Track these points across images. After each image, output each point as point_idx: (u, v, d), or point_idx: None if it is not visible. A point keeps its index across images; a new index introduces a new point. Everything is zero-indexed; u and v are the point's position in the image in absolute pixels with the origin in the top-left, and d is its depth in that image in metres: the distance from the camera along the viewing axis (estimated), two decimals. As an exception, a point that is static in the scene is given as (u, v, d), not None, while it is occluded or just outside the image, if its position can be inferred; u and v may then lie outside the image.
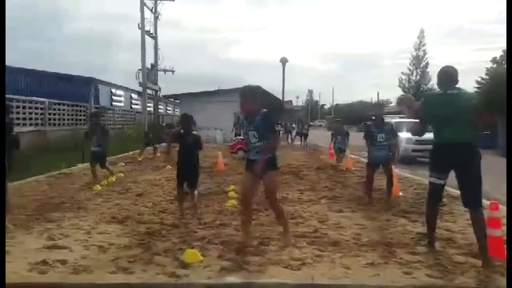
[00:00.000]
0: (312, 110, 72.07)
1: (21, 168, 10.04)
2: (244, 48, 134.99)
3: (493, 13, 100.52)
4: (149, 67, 23.62)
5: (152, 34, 23.95)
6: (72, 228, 5.22)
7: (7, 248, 4.26)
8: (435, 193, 4.44)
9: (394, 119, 17.54)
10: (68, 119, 17.66)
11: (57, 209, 6.42)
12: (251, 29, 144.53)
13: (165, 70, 25.43)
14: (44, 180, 9.45)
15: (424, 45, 57.95)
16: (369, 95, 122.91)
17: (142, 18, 21.70)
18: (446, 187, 8.02)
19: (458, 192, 4.55)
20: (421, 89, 57.90)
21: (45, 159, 12.50)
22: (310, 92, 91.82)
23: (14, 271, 3.67)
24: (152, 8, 23.70)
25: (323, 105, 75.70)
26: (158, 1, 24.00)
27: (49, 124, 16.37)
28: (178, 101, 32.60)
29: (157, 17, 24.12)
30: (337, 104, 72.48)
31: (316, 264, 3.91)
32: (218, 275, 3.62)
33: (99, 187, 8.36)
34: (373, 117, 7.44)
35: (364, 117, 54.13)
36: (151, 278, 3.57)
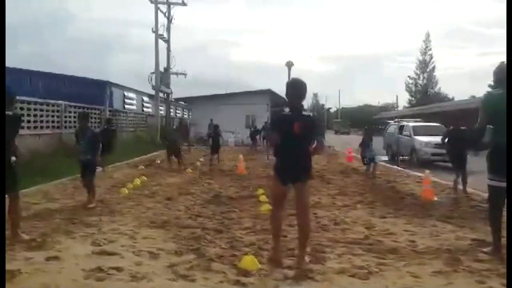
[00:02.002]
0: (318, 114, 71.90)
1: (43, 172, 9.99)
2: (248, 51, 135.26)
3: (498, 16, 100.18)
4: (162, 70, 23.55)
5: (165, 37, 23.90)
6: (114, 233, 5.08)
7: (55, 253, 4.17)
8: (499, 197, 4.21)
9: (410, 123, 17.40)
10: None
11: (90, 212, 6.29)
12: (254, 31, 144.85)
13: (177, 74, 25.39)
14: (68, 183, 9.32)
15: (430, 49, 57.86)
16: (373, 98, 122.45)
17: (156, 22, 21.70)
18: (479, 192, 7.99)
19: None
20: (428, 93, 57.78)
21: (63, 162, 12.38)
22: (315, 95, 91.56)
23: (72, 278, 3.53)
24: (166, 12, 23.66)
25: (329, 108, 75.53)
26: (171, 6, 23.95)
27: (65, 127, 16.27)
28: (183, 103, 32.56)
29: (170, 21, 24.09)
30: (343, 108, 72.39)
31: (382, 273, 3.74)
32: (285, 284, 3.46)
33: (126, 191, 8.23)
34: None
35: (371, 121, 54.05)
36: (216, 286, 3.42)
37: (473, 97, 42.65)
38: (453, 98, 54.25)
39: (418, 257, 4.18)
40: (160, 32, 23.20)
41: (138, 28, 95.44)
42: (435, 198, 7.65)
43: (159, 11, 22.40)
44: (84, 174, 7.11)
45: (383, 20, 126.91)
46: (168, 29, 24.23)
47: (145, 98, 26.77)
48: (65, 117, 16.39)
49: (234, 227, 5.46)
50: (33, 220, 5.70)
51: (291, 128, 3.86)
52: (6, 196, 4.51)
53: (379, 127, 48.85)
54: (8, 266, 3.73)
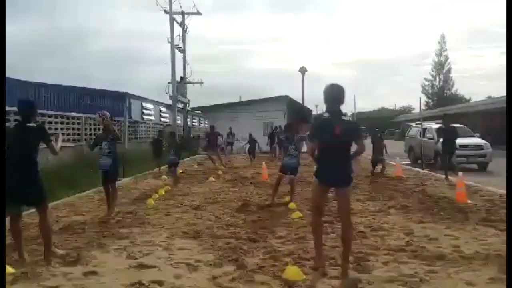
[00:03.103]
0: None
1: (66, 185, 10.04)
2: (263, 58, 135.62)
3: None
4: (178, 80, 23.70)
5: (181, 47, 24.07)
6: (148, 245, 5.00)
7: (94, 268, 4.10)
8: None
9: (433, 125, 17.06)
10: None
11: (120, 225, 6.23)
12: (268, 39, 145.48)
13: (193, 83, 25.54)
14: (93, 195, 9.33)
15: (445, 50, 57.15)
16: (389, 102, 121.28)
17: (172, 32, 21.86)
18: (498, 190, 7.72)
19: None
20: (445, 94, 57.00)
21: (86, 175, 12.45)
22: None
23: (113, 293, 3.46)
24: (181, 22, 23.86)
25: (321, 113, 74.81)
26: (186, 15, 24.17)
27: (85, 140, 16.41)
28: (199, 112, 32.67)
29: (185, 31, 24.29)
30: (359, 112, 71.59)
31: (433, 280, 3.58)
32: (335, 295, 3.32)
33: (152, 201, 8.18)
34: None
35: (389, 124, 53.42)
36: (264, 299, 3.30)
37: (489, 97, 41.88)
38: (470, 99, 53.39)
39: (468, 263, 4.00)
40: (176, 42, 23.35)
41: (154, 39, 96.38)
42: (469, 201, 7.41)
43: (174, 22, 22.57)
44: (104, 178, 7.01)
45: (396, 24, 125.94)
46: (184, 39, 24.43)
47: (163, 109, 26.96)
48: (85, 129, 16.57)
49: (269, 236, 5.33)
50: (64, 233, 5.66)
51: (332, 132, 3.78)
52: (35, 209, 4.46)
53: (396, 130, 48.23)
54: (47, 282, 3.71)
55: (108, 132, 6.99)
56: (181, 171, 14.57)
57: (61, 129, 15.10)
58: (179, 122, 25.88)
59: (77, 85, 20.55)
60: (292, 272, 3.70)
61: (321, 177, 3.91)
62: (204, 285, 3.60)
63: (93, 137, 16.82)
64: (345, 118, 3.94)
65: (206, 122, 34.69)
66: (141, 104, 23.87)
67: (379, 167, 11.86)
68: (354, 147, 4.09)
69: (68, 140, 15.48)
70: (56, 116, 14.97)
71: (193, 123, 34.87)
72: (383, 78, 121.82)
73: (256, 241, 5.07)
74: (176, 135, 16.49)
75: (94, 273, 3.95)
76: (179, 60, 25.06)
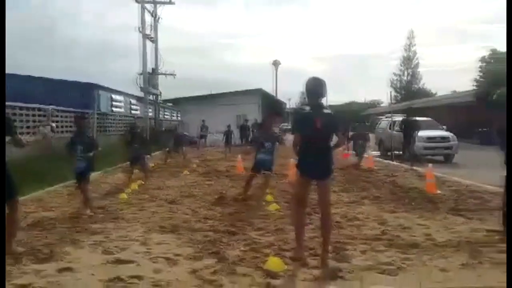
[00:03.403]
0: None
1: (33, 179, 9.67)
2: (237, 52, 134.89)
3: (483, 11, 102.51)
4: (150, 71, 23.23)
5: (152, 37, 23.57)
6: (124, 240, 4.89)
7: (69, 264, 3.99)
8: None
9: (398, 118, 17.48)
10: (71, 126, 17.16)
11: (93, 220, 6.07)
12: (242, 33, 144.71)
13: (166, 74, 25.07)
14: (62, 190, 9.05)
15: (414, 46, 58.54)
16: (360, 95, 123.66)
17: (143, 21, 21.35)
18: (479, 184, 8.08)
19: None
20: (412, 89, 58.50)
21: (53, 169, 12.05)
22: (303, 94, 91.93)
23: (92, 289, 3.37)
24: (152, 11, 23.34)
25: (301, 106, 75.83)
26: (158, 5, 23.65)
27: (53, 132, 15.87)
28: (169, 104, 32.23)
29: (157, 21, 23.78)
30: (329, 105, 72.68)
31: (410, 268, 3.69)
32: (318, 285, 3.37)
33: (125, 196, 8.02)
34: None
35: (358, 117, 54.42)
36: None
37: (454, 91, 43.39)
38: (436, 93, 55.05)
39: (440, 251, 4.15)
40: (147, 32, 22.85)
41: (124, 30, 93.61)
42: (438, 191, 7.67)
43: (145, 11, 22.05)
44: (79, 180, 6.88)
45: (369, 19, 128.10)
46: (155, 29, 23.90)
47: (133, 101, 26.36)
48: (52, 121, 16.01)
49: (247, 228, 5.33)
50: (33, 230, 5.44)
51: (313, 125, 3.82)
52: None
53: (366, 123, 49.30)
54: (18, 281, 3.57)
55: (82, 133, 7.00)
56: (152, 164, 14.36)
57: (27, 121, 14.55)
58: (150, 114, 25.38)
59: (44, 76, 19.76)
60: (274, 262, 3.73)
61: (303, 170, 3.95)
62: (185, 279, 3.57)
63: (55, 129, 16.36)
64: (326, 111, 3.98)
65: (178, 115, 34.23)
66: (111, 95, 23.22)
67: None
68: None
69: (34, 133, 14.95)
70: (21, 108, 14.39)
71: (165, 116, 34.30)
72: (354, 72, 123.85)
73: (235, 234, 5.06)
74: (140, 127, 15.88)
75: (69, 269, 3.83)
76: (151, 51, 24.57)
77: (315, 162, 3.88)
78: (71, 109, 17.36)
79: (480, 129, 26.84)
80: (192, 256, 4.19)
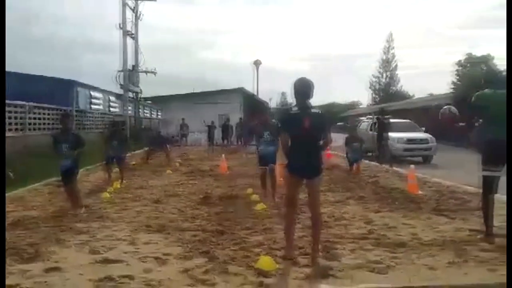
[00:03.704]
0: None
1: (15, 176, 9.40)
2: (217, 50, 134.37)
3: (459, 17, 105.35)
4: (130, 68, 22.90)
5: (133, 34, 23.24)
6: (111, 239, 4.82)
7: (56, 264, 3.91)
8: (491, 185, 4.55)
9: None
10: (49, 123, 16.78)
11: (77, 219, 5.95)
12: (224, 31, 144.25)
13: (146, 72, 24.76)
14: (43, 188, 8.84)
15: (392, 48, 59.62)
16: (339, 97, 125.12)
17: (124, 17, 21.03)
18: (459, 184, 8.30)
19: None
20: (390, 91, 59.58)
21: (32, 167, 11.75)
22: (284, 94, 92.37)
23: (82, 290, 3.31)
24: (134, 7, 23.01)
25: (290, 106, 76.42)
26: (139, 1, 23.34)
27: (29, 129, 15.48)
28: (149, 102, 31.87)
29: (138, 17, 23.47)
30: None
31: (399, 266, 3.76)
32: (310, 283, 3.40)
33: (108, 195, 7.88)
34: None
35: (338, 118, 55.06)
36: (240, 289, 3.31)
37: (431, 94, 44.45)
38: (413, 96, 56.22)
39: (427, 250, 4.24)
40: (128, 29, 22.51)
41: (104, 26, 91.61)
42: (420, 192, 7.83)
43: (126, 7, 21.73)
44: (66, 179, 6.76)
45: (350, 21, 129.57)
46: (136, 25, 23.58)
47: (112, 98, 25.95)
48: (30, 118, 15.61)
49: (235, 228, 5.32)
50: (15, 229, 5.30)
51: (301, 126, 3.89)
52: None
53: (346, 124, 50.00)
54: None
55: (68, 131, 6.87)
56: (133, 162, 14.17)
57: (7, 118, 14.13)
58: (129, 112, 25.02)
59: (20, 72, 19.22)
60: (265, 262, 3.73)
61: (293, 170, 3.98)
62: (177, 278, 3.54)
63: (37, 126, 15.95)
64: (314, 111, 4.03)
65: (158, 113, 33.88)
66: (89, 92, 22.80)
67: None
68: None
69: (10, 130, 14.53)
70: (-3, 104, 13.95)
71: (145, 114, 33.90)
72: (334, 74, 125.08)
73: (223, 233, 5.04)
74: (120, 124, 15.38)
75: (56, 269, 3.76)
76: (131, 48, 24.20)
77: (305, 162, 3.92)
78: (48, 105, 16.98)
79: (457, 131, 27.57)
80: (182, 256, 4.16)
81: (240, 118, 22.59)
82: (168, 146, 15.41)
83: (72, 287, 3.40)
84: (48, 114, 16.92)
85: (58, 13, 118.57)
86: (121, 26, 21.67)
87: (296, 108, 4.06)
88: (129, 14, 23.21)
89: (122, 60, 22.10)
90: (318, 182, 4.06)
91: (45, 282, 3.46)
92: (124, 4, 20.93)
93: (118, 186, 8.97)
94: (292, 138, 4.02)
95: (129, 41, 24.04)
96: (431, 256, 4.02)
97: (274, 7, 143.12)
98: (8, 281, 3.44)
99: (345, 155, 12.26)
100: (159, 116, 32.48)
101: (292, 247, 4.06)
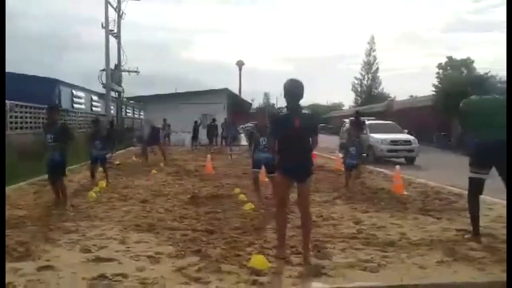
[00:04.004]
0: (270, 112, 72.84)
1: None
2: (200, 50, 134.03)
3: (437, 20, 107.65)
4: (112, 67, 22.62)
5: (116, 33, 22.98)
6: (101, 238, 4.79)
7: (46, 263, 3.88)
8: (477, 187, 4.72)
9: (366, 121, 18.02)
10: (31, 122, 16.44)
11: (64, 218, 5.88)
12: (205, 30, 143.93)
13: (129, 71, 24.51)
14: (27, 187, 8.69)
15: (374, 50, 60.44)
16: (322, 98, 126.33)
17: (106, 16, 20.77)
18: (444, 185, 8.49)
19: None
20: (372, 93, 60.37)
21: (14, 166, 11.50)
22: (266, 95, 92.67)
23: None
24: (116, 7, 22.77)
25: (280, 108, 76.77)
26: (122, 0, 23.10)
27: (11, 128, 15.14)
28: (131, 102, 31.53)
29: (121, 16, 23.21)
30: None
31: (389, 265, 3.84)
32: (303, 281, 3.44)
33: (94, 194, 7.79)
34: None
35: (321, 120, 55.45)
36: (234, 287, 3.33)
37: (411, 96, 45.28)
38: (394, 98, 57.11)
39: (416, 249, 4.33)
40: (110, 28, 22.24)
41: (86, 25, 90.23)
42: (405, 192, 7.98)
43: (109, 6, 21.47)
44: (53, 174, 6.66)
45: (333, 23, 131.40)
46: (119, 24, 23.33)
47: (94, 97, 25.61)
48: (11, 117, 15.27)
49: (225, 227, 5.33)
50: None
51: (291, 127, 3.93)
52: None
53: (329, 126, 50.43)
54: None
55: (55, 124, 6.79)
56: (118, 162, 14.02)
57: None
58: (112, 112, 24.70)
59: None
60: (258, 260, 3.76)
61: (283, 170, 4.03)
62: (171, 277, 3.54)
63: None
64: (304, 112, 4.08)
65: (141, 113, 33.54)
66: (72, 91, 22.46)
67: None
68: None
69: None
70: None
71: (127, 114, 33.53)
72: (317, 75, 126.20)
73: (213, 233, 5.05)
74: (101, 123, 14.76)
75: (49, 267, 3.72)
76: (114, 48, 23.90)
77: (296, 163, 3.96)
78: (30, 104, 16.63)
79: (438, 133, 28.20)
80: (174, 255, 4.16)
81: (225, 119, 22.51)
82: (161, 140, 15.66)
83: (66, 285, 3.36)
84: (30, 113, 16.58)
85: (41, 10, 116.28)
86: (104, 25, 21.38)
87: (285, 110, 4.09)
88: (111, 13, 22.96)
89: (105, 59, 21.78)
90: (309, 183, 4.11)
91: (38, 280, 3.42)
92: (107, 3, 20.66)
93: (104, 186, 8.85)
94: (283, 139, 4.05)
95: (111, 39, 23.80)
96: (420, 255, 4.11)
97: (257, 8, 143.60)
98: (-1, 280, 3.39)
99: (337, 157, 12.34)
100: (141, 116, 32.17)
101: (284, 246, 4.11)
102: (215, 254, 4.15)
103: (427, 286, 3.43)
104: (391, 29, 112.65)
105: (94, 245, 4.47)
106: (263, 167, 7.25)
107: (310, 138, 4.11)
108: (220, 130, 21.82)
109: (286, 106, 4.14)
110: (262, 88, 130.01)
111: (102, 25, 21.88)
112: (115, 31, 23.14)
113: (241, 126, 27.66)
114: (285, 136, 4.04)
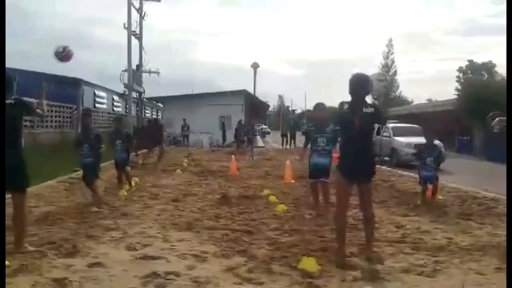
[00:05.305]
0: (284, 115, 72.69)
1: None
2: (215, 52, 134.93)
3: (454, 24, 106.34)
4: (134, 68, 22.82)
5: (138, 34, 23.16)
6: (143, 236, 4.76)
7: (95, 260, 3.85)
8: None
9: (389, 124, 17.76)
10: (56, 121, 16.67)
11: (101, 216, 5.88)
12: (216, 32, 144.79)
13: (150, 72, 24.66)
14: (57, 185, 8.75)
15: (392, 53, 59.79)
16: (338, 101, 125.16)
17: (129, 16, 20.96)
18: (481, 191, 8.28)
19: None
20: (390, 96, 59.74)
21: (43, 163, 11.63)
22: (281, 97, 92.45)
23: (129, 286, 3.25)
24: (139, 8, 22.95)
25: (294, 110, 76.54)
26: (144, 1, 23.26)
27: (37, 127, 15.35)
28: (154, 102, 31.75)
29: (143, 17, 23.39)
30: (308, 110, 73.55)
31: (445, 270, 3.72)
32: (360, 285, 3.35)
33: (125, 193, 7.80)
34: None
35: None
36: (292, 289, 3.26)
37: (429, 100, 44.66)
38: (412, 102, 56.45)
39: (468, 254, 4.20)
40: (132, 29, 22.43)
41: (107, 26, 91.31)
42: (440, 197, 7.78)
43: (132, 7, 21.66)
44: (86, 176, 6.72)
45: (348, 26, 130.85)
46: (141, 25, 23.50)
47: (115, 97, 25.85)
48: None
49: (263, 228, 5.27)
50: (42, 224, 5.24)
51: (352, 125, 3.77)
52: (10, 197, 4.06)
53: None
54: (51, 275, 3.40)
55: (89, 131, 6.91)
56: (141, 161, 14.05)
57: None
58: (133, 112, 24.91)
59: (27, 69, 19.06)
60: (308, 263, 3.67)
61: (344, 171, 3.91)
62: (223, 276, 3.48)
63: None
64: (367, 110, 3.84)
65: (158, 113, 33.79)
66: (94, 91, 22.71)
67: None
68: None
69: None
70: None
71: (146, 114, 33.78)
72: (331, 78, 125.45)
73: (253, 233, 4.99)
74: (124, 122, 13.50)
75: (99, 264, 3.70)
76: (135, 49, 24.07)
77: (359, 163, 3.82)
78: (56, 103, 16.87)
79: (460, 138, 27.72)
80: (220, 254, 4.11)
81: (239, 120, 22.33)
82: (163, 144, 14.00)
83: (119, 282, 3.33)
84: (56, 112, 16.80)
85: (63, 10, 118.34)
86: (126, 25, 21.55)
87: (346, 107, 3.92)
88: (135, 15, 23.16)
89: (127, 60, 21.94)
90: (371, 184, 4.04)
91: (91, 277, 3.40)
92: (130, 3, 20.82)
93: (127, 191, 8.62)
94: (346, 138, 3.95)
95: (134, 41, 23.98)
96: (474, 261, 3.98)
97: (268, 11, 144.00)
98: (54, 275, 3.39)
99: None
100: (159, 116, 32.40)
101: (343, 250, 3.99)
102: (261, 254, 4.08)
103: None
104: (407, 32, 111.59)
105: (138, 242, 4.45)
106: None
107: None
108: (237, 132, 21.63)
109: (349, 102, 3.94)
110: (276, 90, 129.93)
111: (124, 26, 22.05)
112: (137, 32, 23.30)
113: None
114: (345, 135, 3.93)
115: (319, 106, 6.47)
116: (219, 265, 3.78)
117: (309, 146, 6.70)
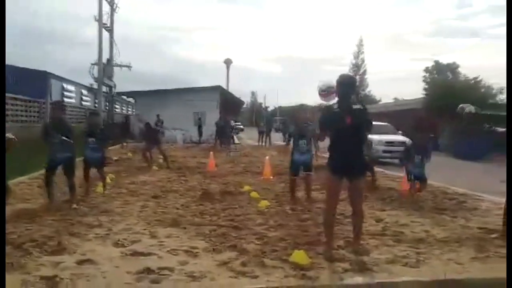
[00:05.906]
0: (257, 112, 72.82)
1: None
2: (187, 48, 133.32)
3: (424, 25, 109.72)
4: (105, 62, 22.28)
5: (109, 27, 22.63)
6: (130, 233, 4.72)
7: (83, 257, 3.79)
8: None
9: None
10: (22, 115, 16.06)
11: (81, 212, 5.77)
12: (193, 28, 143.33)
13: (121, 66, 24.15)
14: (29, 181, 8.48)
15: (362, 53, 61.14)
16: (310, 99, 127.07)
17: (100, 8, 20.44)
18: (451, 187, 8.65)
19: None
20: (359, 95, 61.02)
21: (8, 159, 11.17)
22: (254, 94, 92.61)
23: (124, 282, 3.24)
24: (110, 0, 22.41)
25: (267, 107, 76.87)
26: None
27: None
28: (124, 97, 31.09)
29: (114, 10, 22.87)
30: (280, 107, 74.07)
31: (427, 261, 3.90)
32: (350, 276, 3.47)
33: (102, 189, 7.65)
34: None
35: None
36: (284, 281, 3.33)
37: (396, 99, 45.99)
38: (379, 100, 57.89)
39: (446, 246, 4.41)
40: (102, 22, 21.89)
41: (76, 19, 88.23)
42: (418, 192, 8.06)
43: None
44: (66, 171, 6.54)
45: (321, 25, 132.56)
46: (112, 18, 22.96)
47: (84, 91, 25.16)
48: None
49: (248, 223, 5.33)
50: (20, 222, 5.09)
51: (343, 123, 3.86)
52: None
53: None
54: (39, 272, 3.34)
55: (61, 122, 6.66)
56: (116, 158, 13.80)
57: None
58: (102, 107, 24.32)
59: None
60: (299, 256, 3.77)
61: (334, 167, 3.99)
62: (218, 271, 3.52)
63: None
64: (356, 107, 3.94)
65: (130, 109, 33.12)
66: (62, 85, 22.01)
67: None
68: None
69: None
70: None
71: (115, 109, 33.04)
72: (304, 75, 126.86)
73: (240, 228, 5.04)
74: (99, 117, 12.70)
75: (89, 261, 3.65)
76: (106, 42, 23.51)
77: (348, 161, 3.92)
78: (21, 96, 16.27)
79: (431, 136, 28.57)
80: (211, 249, 4.14)
81: (220, 116, 22.31)
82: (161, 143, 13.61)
83: (114, 279, 3.31)
84: (21, 106, 16.20)
85: (32, 4, 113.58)
86: (97, 18, 21.02)
87: (336, 106, 4.00)
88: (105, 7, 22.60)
89: (98, 53, 21.42)
90: (361, 180, 4.12)
91: (82, 274, 3.36)
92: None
93: (109, 180, 8.63)
94: (334, 136, 4.03)
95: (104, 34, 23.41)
96: (452, 252, 4.19)
97: (245, 7, 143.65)
98: (42, 272, 3.34)
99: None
100: (132, 112, 31.79)
101: (332, 244, 4.10)
102: (251, 249, 4.14)
103: (473, 280, 3.50)
104: (376, 32, 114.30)
105: (125, 239, 4.41)
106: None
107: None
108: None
109: (337, 102, 4.03)
110: (249, 87, 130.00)
111: (95, 18, 21.53)
112: (108, 24, 22.75)
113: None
114: (336, 133, 3.99)
115: (300, 111, 6.85)
116: (212, 260, 3.81)
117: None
